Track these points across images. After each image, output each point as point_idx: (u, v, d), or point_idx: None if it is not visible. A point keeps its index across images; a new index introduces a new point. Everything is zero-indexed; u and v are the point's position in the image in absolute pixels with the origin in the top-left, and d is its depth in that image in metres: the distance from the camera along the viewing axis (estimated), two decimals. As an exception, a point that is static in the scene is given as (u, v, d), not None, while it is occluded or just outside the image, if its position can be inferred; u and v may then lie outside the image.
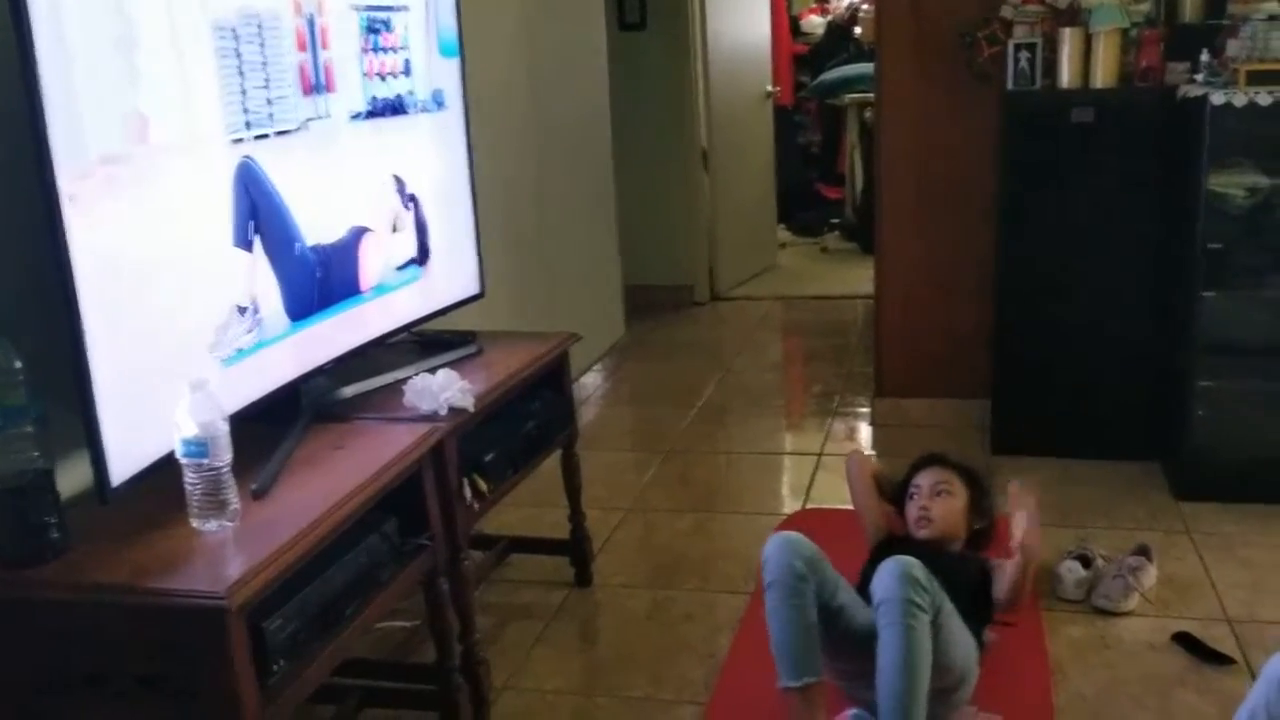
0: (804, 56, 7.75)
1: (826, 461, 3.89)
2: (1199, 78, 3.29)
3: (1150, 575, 2.84)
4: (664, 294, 6.02)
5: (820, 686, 2.14)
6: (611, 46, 5.16)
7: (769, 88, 6.63)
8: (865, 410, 4.31)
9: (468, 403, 2.24)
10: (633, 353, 5.33)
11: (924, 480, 2.63)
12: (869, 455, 2.83)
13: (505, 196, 3.87)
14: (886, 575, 2.15)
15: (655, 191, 5.89)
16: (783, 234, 7.43)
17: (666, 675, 2.59)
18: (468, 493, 2.29)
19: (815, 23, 7.96)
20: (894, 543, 2.66)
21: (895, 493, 2.75)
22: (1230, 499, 3.30)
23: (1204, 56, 3.30)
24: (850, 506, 3.59)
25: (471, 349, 2.60)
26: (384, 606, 2.04)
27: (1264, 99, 3.08)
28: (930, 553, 2.46)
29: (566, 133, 4.59)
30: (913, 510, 2.61)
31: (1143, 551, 2.90)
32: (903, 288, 4.11)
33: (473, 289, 2.80)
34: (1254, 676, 2.39)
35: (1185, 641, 2.57)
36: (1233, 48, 3.28)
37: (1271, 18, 3.27)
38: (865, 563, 2.52)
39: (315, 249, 2.21)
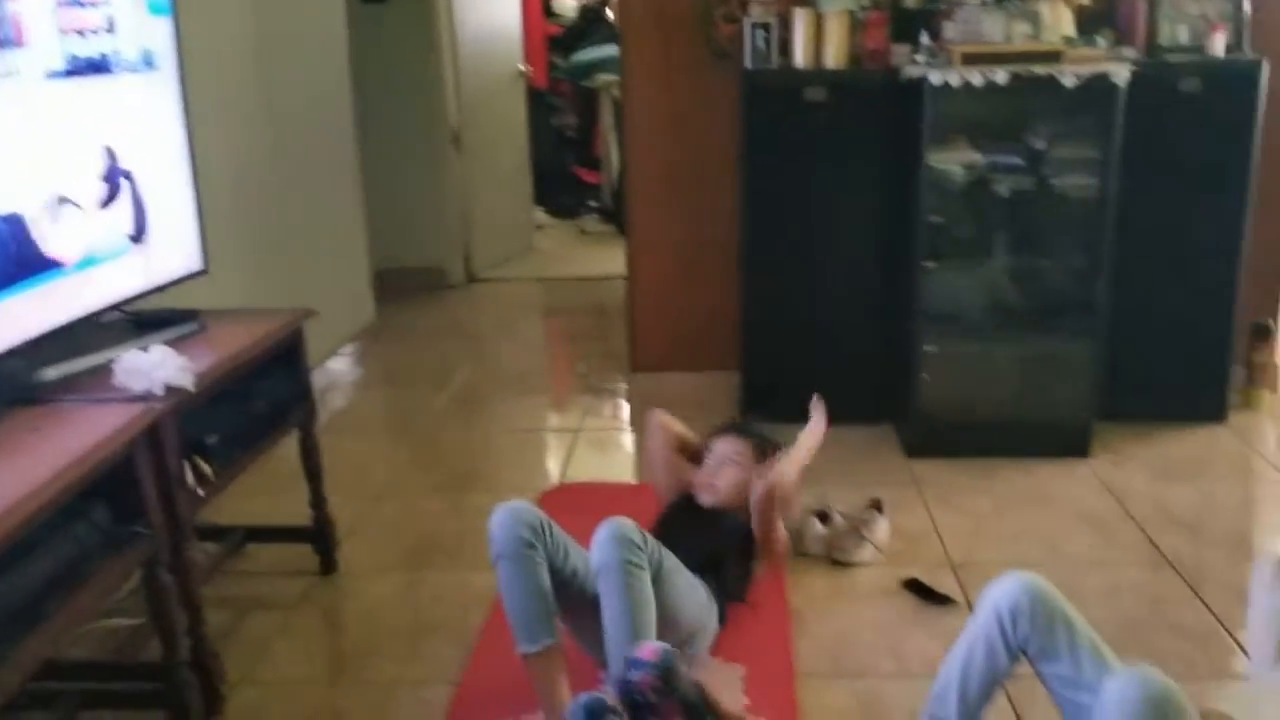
0: (557, 38, 7.76)
1: (584, 437, 3.90)
2: (919, 59, 3.48)
3: (883, 528, 2.99)
4: (417, 276, 5.89)
5: (558, 648, 2.14)
6: (352, 18, 4.98)
7: (521, 68, 6.59)
8: (622, 386, 4.35)
9: (186, 381, 2.10)
10: (384, 336, 5.19)
11: (719, 448, 2.69)
12: (668, 417, 2.82)
13: (234, 169, 3.67)
14: (601, 540, 2.17)
15: (405, 171, 5.74)
16: (540, 217, 7.42)
17: (417, 657, 2.52)
18: (190, 476, 2.15)
19: (568, 5, 7.97)
20: (682, 507, 2.67)
21: (695, 454, 2.78)
22: (953, 454, 3.52)
23: (924, 39, 3.50)
24: (607, 480, 3.65)
25: (191, 326, 2.43)
26: (96, 601, 1.89)
27: (977, 79, 3.28)
28: (708, 519, 2.51)
29: (303, 105, 4.41)
30: (702, 476, 2.66)
31: (875, 506, 3.05)
32: (654, 266, 4.18)
33: (194, 265, 2.63)
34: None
35: (914, 586, 2.72)
36: (949, 30, 3.48)
37: (983, 2, 3.50)
38: (655, 523, 2.55)
39: (6, 219, 2.01)
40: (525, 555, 2.17)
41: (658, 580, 2.20)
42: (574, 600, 2.23)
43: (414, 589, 2.84)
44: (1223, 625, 2.52)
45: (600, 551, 2.16)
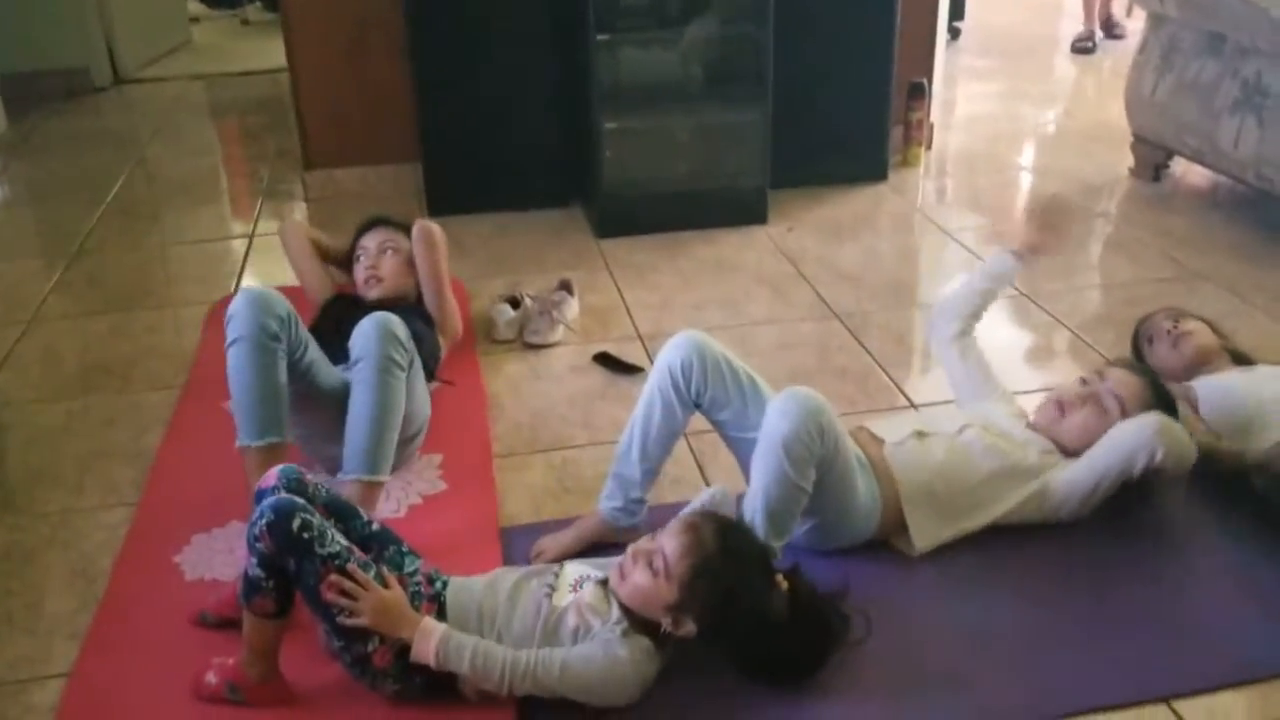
0: None
1: (259, 243, 3.68)
2: None
3: (573, 307, 3.02)
4: (55, 80, 5.26)
5: (282, 447, 2.08)
6: None
7: None
8: (297, 186, 4.12)
9: None
10: (22, 149, 4.65)
11: (370, 242, 2.67)
12: (301, 221, 2.76)
13: None
14: (368, 332, 2.13)
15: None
16: (195, 7, 6.78)
17: (90, 483, 2.36)
18: None
19: None
20: (341, 301, 2.61)
21: (342, 258, 2.75)
22: (640, 231, 3.59)
23: None
24: (287, 283, 3.48)
25: None
26: None
27: None
28: (383, 310, 2.41)
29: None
30: (360, 272, 2.64)
31: (565, 286, 3.08)
32: (319, 54, 3.89)
33: None
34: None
35: (604, 360, 2.79)
36: None
37: None
38: (314, 321, 2.50)
39: None
40: (267, 346, 2.07)
41: (408, 379, 2.18)
42: (302, 392, 2.17)
43: (82, 416, 2.64)
44: (879, 365, 2.75)
45: (365, 342, 2.11)
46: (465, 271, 3.30)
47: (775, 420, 1.82)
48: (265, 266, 3.48)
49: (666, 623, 1.66)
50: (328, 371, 2.23)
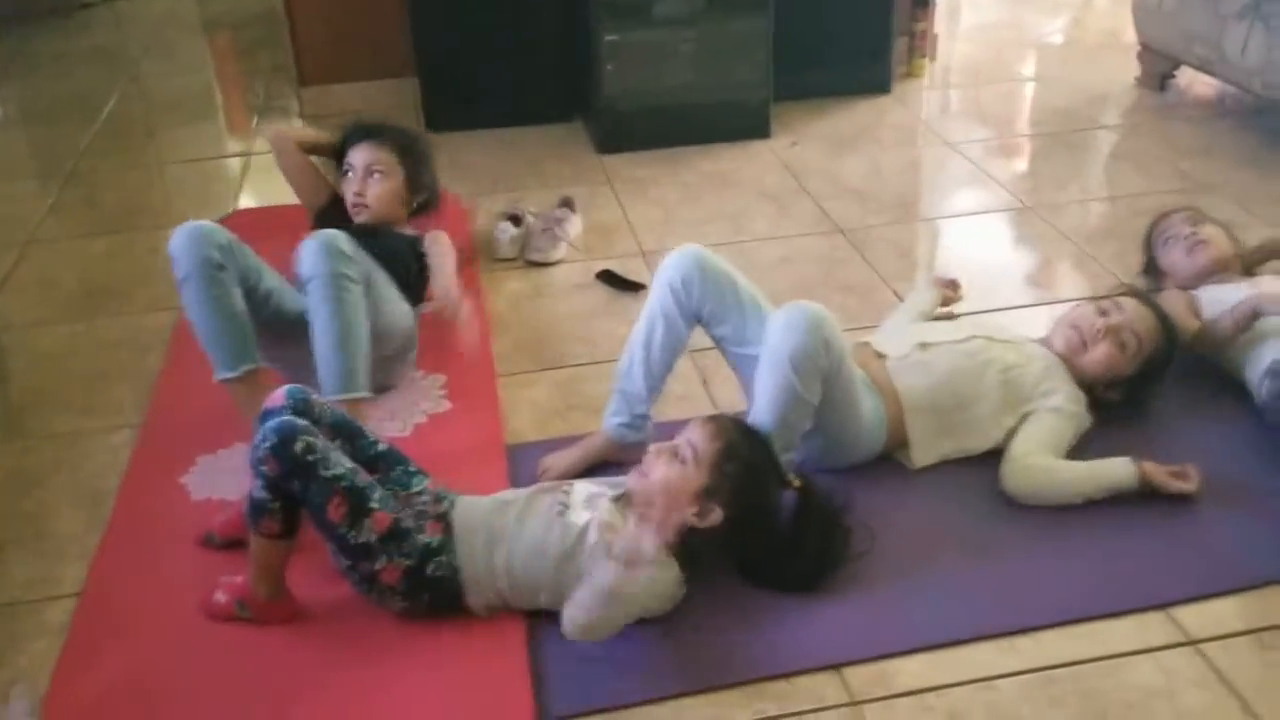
0: None
1: (256, 161, 3.65)
2: None
3: (575, 224, 3.00)
4: (41, -4, 5.16)
5: (263, 372, 2.07)
6: None
7: None
8: (293, 102, 4.06)
9: None
10: (12, 68, 4.57)
11: (357, 160, 2.48)
12: (285, 128, 2.66)
13: None
14: (311, 252, 2.08)
15: None
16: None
17: (96, 405, 2.37)
18: None
19: None
20: (334, 211, 2.54)
21: (335, 153, 2.57)
22: (642, 146, 3.53)
23: None
24: (285, 202, 3.44)
25: None
26: None
27: None
28: (367, 234, 2.38)
29: None
30: (348, 194, 2.50)
31: (567, 204, 3.05)
32: (312, -35, 3.81)
33: None
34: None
35: (607, 277, 2.77)
36: None
37: None
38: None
39: None
40: (215, 277, 2.04)
41: (369, 294, 2.14)
42: (271, 324, 2.14)
43: (84, 338, 2.64)
44: (883, 279, 2.73)
45: (309, 262, 2.06)
46: (465, 189, 3.26)
47: (781, 334, 1.80)
48: (263, 184, 3.45)
49: (692, 514, 1.67)
50: (292, 298, 2.19)
